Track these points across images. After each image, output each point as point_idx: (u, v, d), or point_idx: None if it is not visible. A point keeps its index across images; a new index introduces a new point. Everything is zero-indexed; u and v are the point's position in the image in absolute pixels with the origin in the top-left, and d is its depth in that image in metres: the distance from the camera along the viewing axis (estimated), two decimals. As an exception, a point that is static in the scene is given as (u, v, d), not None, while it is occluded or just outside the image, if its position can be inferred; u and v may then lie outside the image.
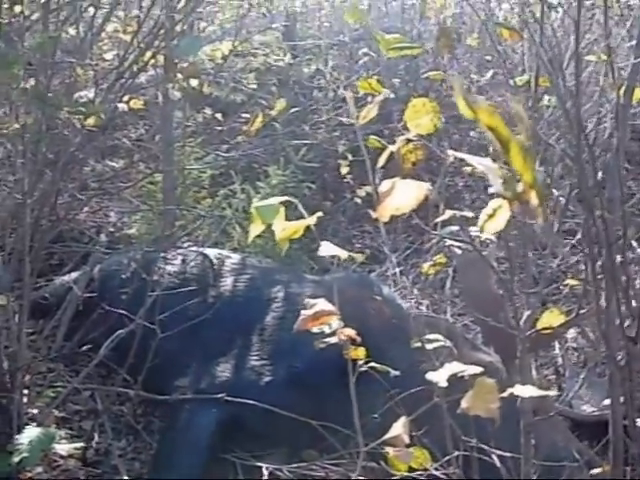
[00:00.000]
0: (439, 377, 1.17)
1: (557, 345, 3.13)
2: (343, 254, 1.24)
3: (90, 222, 3.91)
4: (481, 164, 0.85)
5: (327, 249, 1.22)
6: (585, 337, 3.12)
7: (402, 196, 0.94)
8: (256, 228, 1.16)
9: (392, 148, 1.14)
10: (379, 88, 1.51)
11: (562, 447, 2.25)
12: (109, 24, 3.56)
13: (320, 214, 1.20)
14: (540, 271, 1.81)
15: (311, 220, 1.17)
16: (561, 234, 2.72)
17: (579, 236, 3.97)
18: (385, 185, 0.96)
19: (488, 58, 4.56)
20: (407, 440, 1.30)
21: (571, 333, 3.11)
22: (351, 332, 1.38)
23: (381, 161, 1.10)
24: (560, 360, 3.08)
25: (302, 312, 1.35)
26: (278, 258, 3.65)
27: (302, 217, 1.25)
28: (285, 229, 1.16)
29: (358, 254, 1.31)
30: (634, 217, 4.14)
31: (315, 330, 1.54)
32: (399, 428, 1.30)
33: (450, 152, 0.94)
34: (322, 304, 1.33)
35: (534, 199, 0.62)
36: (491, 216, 0.69)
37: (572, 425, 2.67)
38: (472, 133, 4.73)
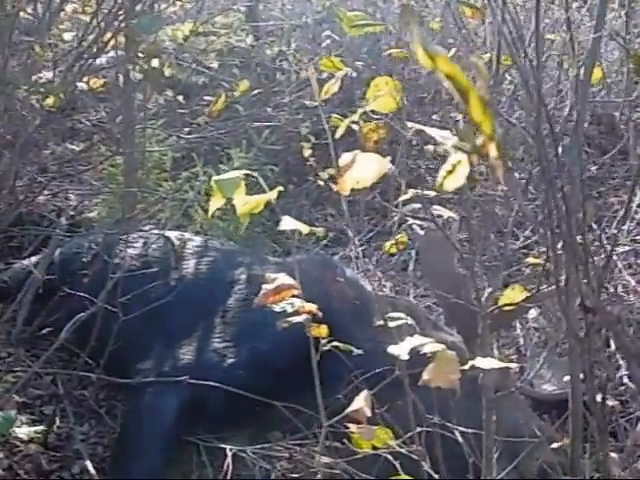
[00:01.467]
0: (400, 350, 1.18)
1: (518, 325, 3.16)
2: (304, 229, 1.23)
3: (50, 205, 3.86)
4: (440, 136, 0.85)
5: (288, 223, 1.22)
6: (546, 317, 3.16)
7: (363, 169, 0.94)
8: (216, 202, 1.15)
9: (347, 122, 1.13)
10: (341, 66, 1.50)
11: (523, 424, 2.28)
12: (68, 4, 3.51)
13: (281, 189, 1.19)
14: (501, 252, 1.82)
15: (272, 195, 1.17)
16: (521, 216, 2.74)
17: (540, 218, 4.03)
18: (345, 158, 0.95)
19: (450, 40, 4.56)
20: (369, 413, 1.31)
21: (532, 313, 3.14)
22: (312, 307, 1.38)
23: (339, 133, 1.09)
24: (521, 340, 3.11)
25: (263, 287, 1.35)
26: (240, 241, 3.64)
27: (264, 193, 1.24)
28: (246, 203, 1.15)
29: (319, 229, 1.30)
30: (594, 199, 4.20)
31: (277, 309, 1.54)
32: (360, 402, 1.30)
33: (410, 124, 0.94)
34: (283, 279, 1.33)
35: (493, 151, 0.62)
36: (450, 172, 0.69)
37: (533, 404, 2.70)
38: (434, 116, 4.74)
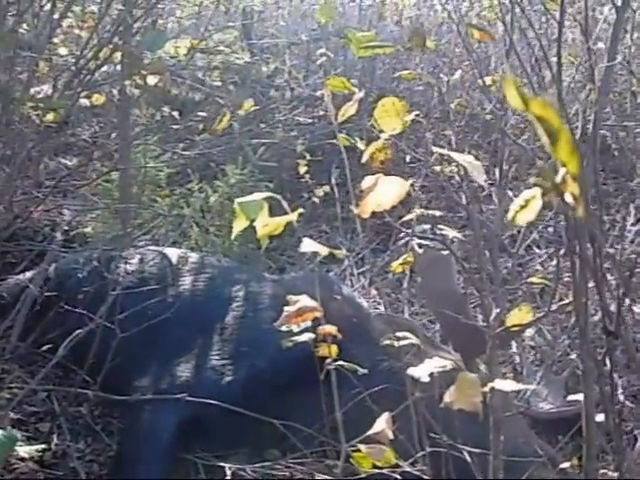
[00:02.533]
0: (421, 372, 1.18)
1: (514, 343, 3.16)
2: (324, 250, 1.23)
3: (45, 220, 3.85)
4: (464, 160, 0.86)
5: (308, 245, 1.22)
6: (542, 336, 3.17)
7: (384, 192, 0.94)
8: (240, 224, 1.15)
9: (373, 148, 1.13)
10: (350, 87, 1.51)
11: (524, 443, 2.28)
12: (65, 20, 3.51)
13: (302, 210, 1.19)
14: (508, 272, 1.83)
15: (293, 216, 1.17)
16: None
17: (534, 236, 4.05)
18: (368, 181, 0.95)
19: (445, 59, 4.60)
20: (391, 435, 1.31)
21: (528, 332, 3.14)
22: (332, 329, 1.38)
23: (365, 157, 1.10)
24: (518, 358, 3.11)
25: (285, 309, 1.34)
26: (234, 257, 3.64)
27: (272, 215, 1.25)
28: (266, 225, 1.15)
29: (339, 252, 1.31)
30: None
31: (284, 329, 1.54)
32: (382, 423, 1.30)
33: (435, 149, 0.94)
34: (305, 300, 1.33)
35: (576, 190, 0.63)
36: (523, 207, 0.70)
37: (530, 422, 2.70)
38: (427, 134, 4.76)
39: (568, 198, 0.63)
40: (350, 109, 1.31)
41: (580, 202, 0.63)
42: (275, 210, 1.35)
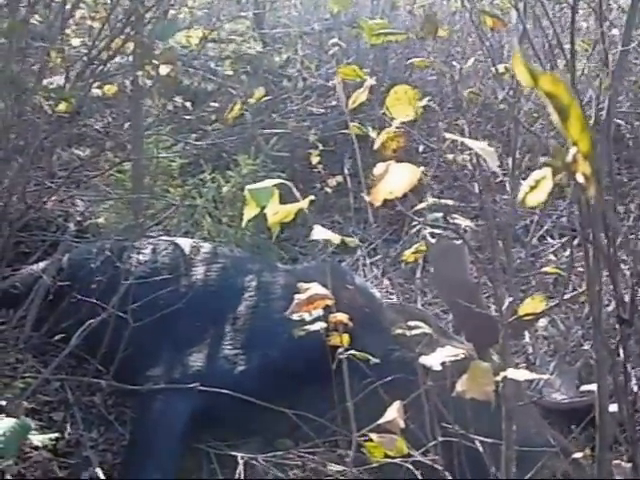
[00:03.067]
0: (433, 361, 1.17)
1: (527, 334, 3.15)
2: (336, 238, 1.23)
3: (58, 211, 3.86)
4: (478, 147, 0.85)
5: (320, 233, 1.21)
6: (555, 326, 3.15)
7: (396, 179, 0.94)
8: (250, 211, 1.14)
9: (383, 136, 1.13)
10: (362, 75, 1.50)
11: (536, 433, 2.27)
12: (77, 10, 3.51)
13: (312, 198, 1.19)
14: (520, 262, 1.82)
15: (304, 203, 1.16)
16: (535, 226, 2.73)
17: (547, 226, 4.03)
18: (379, 168, 0.95)
19: (458, 49, 4.58)
20: (402, 424, 1.30)
21: (541, 322, 3.13)
22: (343, 317, 1.38)
23: (377, 143, 1.09)
24: (530, 349, 3.10)
25: (296, 297, 1.34)
26: (247, 247, 3.64)
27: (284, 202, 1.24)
28: (277, 213, 1.15)
29: (350, 239, 1.30)
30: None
31: (295, 317, 1.53)
32: (394, 412, 1.29)
33: (448, 135, 0.94)
34: (316, 288, 1.32)
35: (586, 168, 0.62)
36: (533, 187, 0.69)
37: (543, 413, 2.69)
38: (440, 124, 4.74)
39: (579, 178, 0.62)
40: (361, 96, 1.30)
41: (592, 182, 0.62)
42: (286, 199, 1.34)
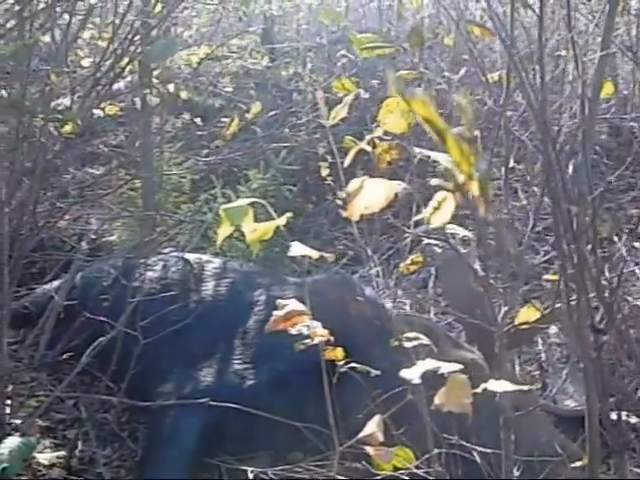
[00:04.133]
0: (412, 374, 1.17)
1: (540, 341, 3.14)
2: (314, 254, 1.24)
3: (71, 230, 3.89)
4: (445, 160, 0.85)
5: (298, 249, 1.22)
6: (566, 333, 3.14)
7: (371, 195, 0.95)
8: (225, 230, 1.16)
9: (356, 149, 1.14)
10: (352, 88, 1.51)
11: (545, 442, 2.26)
12: (85, 31, 3.55)
13: (290, 215, 1.20)
14: (517, 270, 1.81)
15: (281, 221, 1.18)
16: (536, 232, 2.72)
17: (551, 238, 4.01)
18: (354, 184, 0.96)
19: (465, 57, 4.57)
20: (381, 438, 1.30)
21: (553, 329, 3.12)
22: (324, 332, 1.38)
23: (348, 159, 1.10)
24: (543, 356, 3.09)
25: (273, 313, 1.35)
26: (258, 261, 3.65)
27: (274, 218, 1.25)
28: (255, 230, 1.16)
29: (329, 255, 1.31)
30: (614, 211, 4.18)
31: (294, 332, 1.54)
32: (373, 426, 1.30)
33: (417, 150, 0.95)
34: (293, 304, 1.33)
35: (475, 189, 0.62)
36: (437, 208, 0.69)
37: (556, 420, 2.68)
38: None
39: (473, 198, 0.63)
40: (341, 111, 1.31)
41: (482, 201, 0.62)
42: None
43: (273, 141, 4.34)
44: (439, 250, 2.61)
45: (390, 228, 4.30)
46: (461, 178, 0.63)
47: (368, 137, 1.26)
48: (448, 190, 0.65)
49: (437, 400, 1.12)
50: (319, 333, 1.35)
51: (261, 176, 3.93)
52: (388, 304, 2.99)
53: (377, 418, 1.32)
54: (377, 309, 2.81)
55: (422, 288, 3.84)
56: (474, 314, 2.21)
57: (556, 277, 2.08)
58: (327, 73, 5.02)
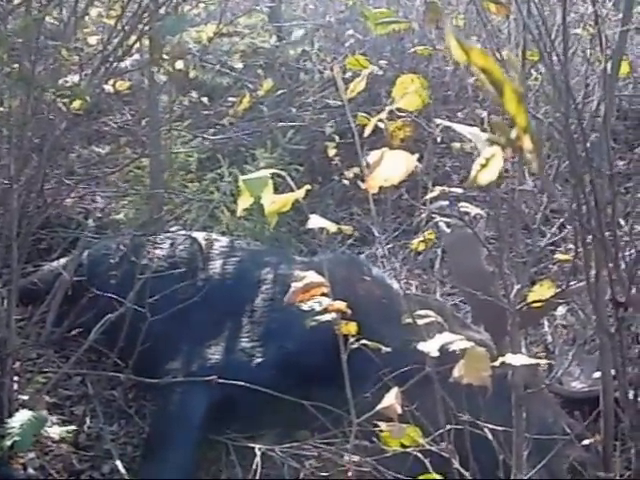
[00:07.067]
0: (430, 347, 1.17)
1: (546, 323, 3.14)
2: (332, 227, 1.23)
3: (77, 207, 3.89)
4: (469, 132, 0.85)
5: (316, 222, 1.22)
6: (574, 314, 3.13)
7: (391, 166, 0.94)
8: (244, 201, 1.15)
9: (375, 120, 1.13)
10: (366, 64, 1.50)
11: (552, 422, 2.26)
12: (93, 8, 3.53)
13: (309, 187, 1.19)
14: (529, 249, 1.81)
15: (300, 193, 1.17)
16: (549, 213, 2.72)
17: (567, 215, 4.00)
18: (374, 156, 0.95)
19: (474, 38, 4.54)
20: (399, 410, 1.31)
21: (560, 310, 3.11)
22: (341, 305, 1.38)
23: (367, 131, 1.09)
24: (549, 338, 3.09)
25: (292, 285, 1.35)
26: (266, 241, 3.65)
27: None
28: (274, 202, 1.15)
29: (347, 227, 1.30)
30: (621, 195, 4.16)
31: (305, 308, 1.54)
32: (391, 398, 1.30)
33: (438, 121, 0.94)
34: (311, 277, 1.33)
35: (528, 143, 0.62)
36: (484, 166, 0.69)
37: (562, 401, 2.68)
38: (459, 114, 4.72)
39: (525, 152, 0.62)
40: (359, 84, 1.31)
41: (535, 156, 0.62)
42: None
43: (280, 120, 4.33)
44: (447, 229, 2.61)
45: (397, 209, 4.30)
46: (514, 133, 0.62)
47: (383, 113, 1.24)
48: (498, 145, 0.64)
49: (456, 373, 1.12)
50: (337, 306, 1.35)
51: (268, 155, 3.92)
52: (395, 284, 2.99)
53: (395, 390, 1.32)
54: (385, 289, 2.81)
55: (428, 268, 3.84)
56: (483, 293, 2.21)
57: (567, 257, 2.08)
58: (335, 53, 4.99)
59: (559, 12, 1.47)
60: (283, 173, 1.17)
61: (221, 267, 2.92)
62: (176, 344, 2.68)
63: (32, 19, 2.48)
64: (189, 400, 2.53)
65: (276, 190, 1.26)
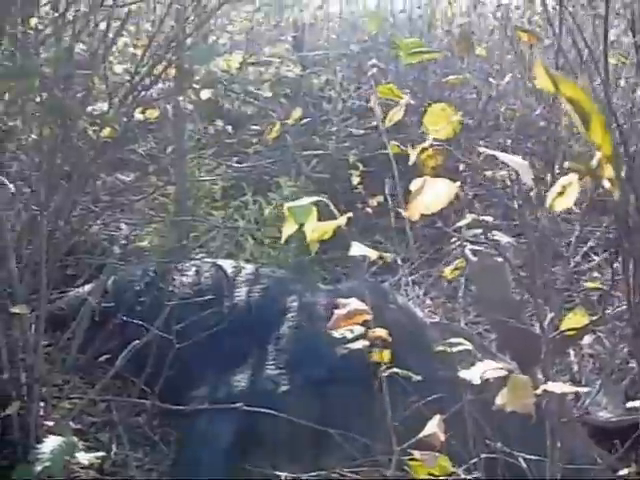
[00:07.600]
0: (472, 375, 1.17)
1: (572, 351, 3.12)
2: (373, 254, 1.24)
3: (103, 234, 3.92)
4: (512, 161, 0.86)
5: (358, 249, 1.22)
6: (601, 344, 3.11)
7: (433, 195, 0.95)
8: (289, 228, 1.16)
9: (417, 151, 1.14)
10: (399, 93, 1.51)
11: (583, 452, 2.24)
12: (120, 38, 3.58)
13: (350, 215, 1.20)
14: (557, 278, 1.81)
15: (342, 220, 1.18)
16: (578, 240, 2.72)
17: (591, 243, 3.99)
18: (416, 183, 0.96)
19: (496, 67, 4.57)
20: (442, 438, 1.30)
21: (586, 339, 3.09)
22: (382, 332, 1.38)
23: (412, 160, 1.10)
24: (576, 367, 3.07)
25: (335, 312, 1.35)
26: (289, 268, 3.66)
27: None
28: (316, 230, 1.16)
29: (388, 255, 1.31)
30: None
31: (337, 336, 1.54)
32: (433, 426, 1.29)
33: (482, 149, 0.94)
34: (354, 304, 1.34)
35: (610, 172, 0.62)
36: (561, 193, 0.69)
37: (590, 431, 2.65)
38: (481, 142, 4.73)
39: (605, 182, 0.63)
40: (397, 114, 1.32)
41: (616, 186, 0.62)
42: (326, 219, 1.35)
43: (304, 149, 4.36)
44: (473, 258, 2.61)
45: (421, 237, 4.30)
46: (594, 161, 0.63)
47: (423, 144, 1.25)
48: (578, 173, 0.65)
49: (499, 400, 1.12)
50: (378, 333, 1.35)
51: (292, 184, 3.94)
52: (420, 313, 2.99)
53: (437, 418, 1.32)
54: (410, 317, 2.81)
55: (452, 297, 3.83)
56: (511, 322, 2.21)
57: (596, 285, 2.08)
58: (357, 82, 5.03)
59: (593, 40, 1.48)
60: (327, 201, 1.18)
61: (247, 295, 2.92)
62: (202, 371, 2.68)
63: (63, 49, 2.52)
64: (215, 427, 2.53)
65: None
